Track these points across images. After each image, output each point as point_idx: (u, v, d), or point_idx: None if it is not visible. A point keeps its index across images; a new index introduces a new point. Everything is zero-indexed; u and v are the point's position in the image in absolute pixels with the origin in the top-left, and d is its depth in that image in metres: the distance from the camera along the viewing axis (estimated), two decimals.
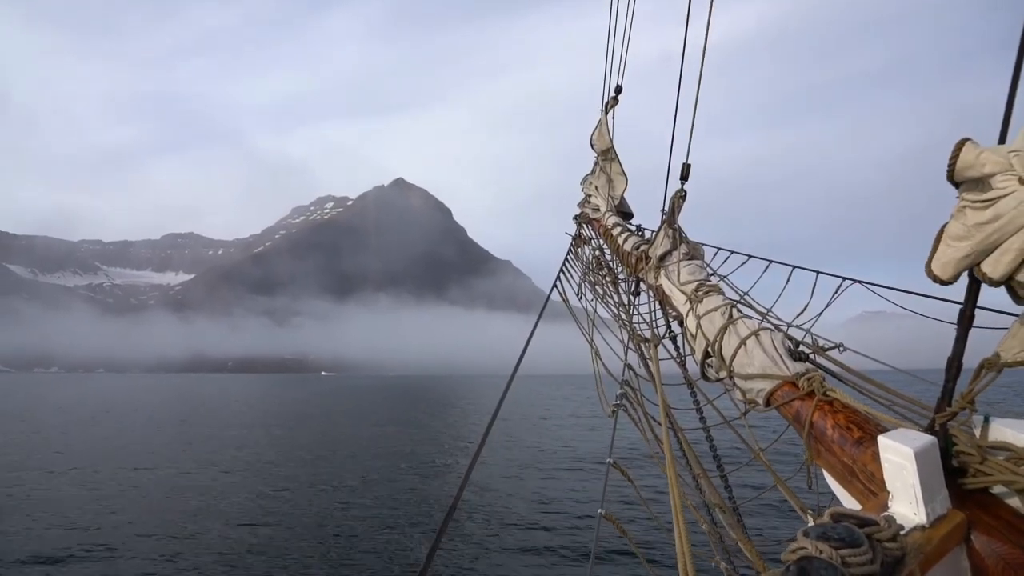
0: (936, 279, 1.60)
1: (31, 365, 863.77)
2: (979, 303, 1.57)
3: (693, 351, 3.16)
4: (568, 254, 6.32)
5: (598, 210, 6.51)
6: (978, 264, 1.51)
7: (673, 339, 4.12)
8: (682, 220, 3.84)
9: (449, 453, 32.66)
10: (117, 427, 46.49)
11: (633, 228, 5.70)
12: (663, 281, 3.81)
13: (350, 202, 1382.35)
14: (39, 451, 32.74)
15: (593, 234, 6.55)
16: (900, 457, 1.46)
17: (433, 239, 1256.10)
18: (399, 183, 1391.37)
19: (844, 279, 3.20)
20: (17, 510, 19.39)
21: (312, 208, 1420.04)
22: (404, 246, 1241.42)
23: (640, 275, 4.39)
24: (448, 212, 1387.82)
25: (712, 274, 3.77)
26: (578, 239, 6.83)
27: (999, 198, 1.44)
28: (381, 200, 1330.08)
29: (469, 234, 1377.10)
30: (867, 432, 1.80)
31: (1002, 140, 1.47)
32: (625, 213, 6.30)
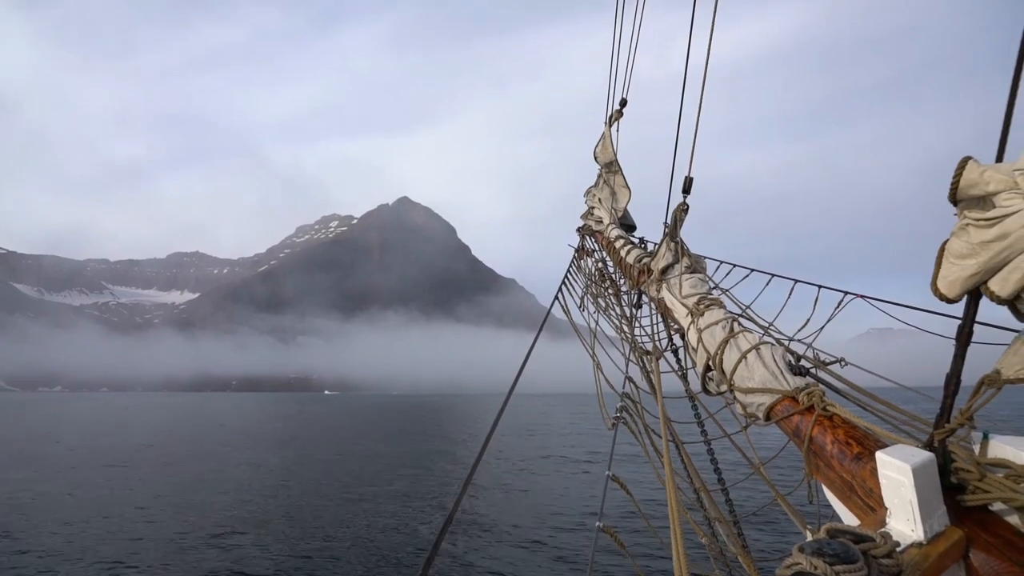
0: (942, 297, 1.60)
1: (35, 384, 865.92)
2: (978, 319, 1.57)
3: (694, 364, 3.15)
4: (571, 266, 6.31)
5: (601, 222, 6.50)
6: (985, 282, 1.51)
7: (675, 352, 4.12)
8: (688, 233, 3.84)
9: (447, 470, 32.42)
10: (97, 447, 45.79)
11: (636, 240, 5.70)
12: (665, 294, 3.80)
13: (355, 221, 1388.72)
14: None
15: (596, 246, 6.55)
16: (898, 473, 1.46)
17: (438, 258, 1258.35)
18: (403, 201, 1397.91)
19: (846, 293, 3.20)
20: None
21: (317, 227, 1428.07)
22: (409, 265, 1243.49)
23: (642, 288, 4.39)
24: (453, 231, 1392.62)
25: (714, 287, 3.77)
26: (581, 251, 6.83)
27: (1005, 216, 1.43)
28: (386, 219, 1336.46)
29: (474, 252, 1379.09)
30: (866, 448, 1.79)
31: (999, 158, 1.47)
32: (628, 225, 6.30)
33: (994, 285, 1.49)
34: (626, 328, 4.56)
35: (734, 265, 3.97)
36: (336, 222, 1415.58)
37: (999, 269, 1.47)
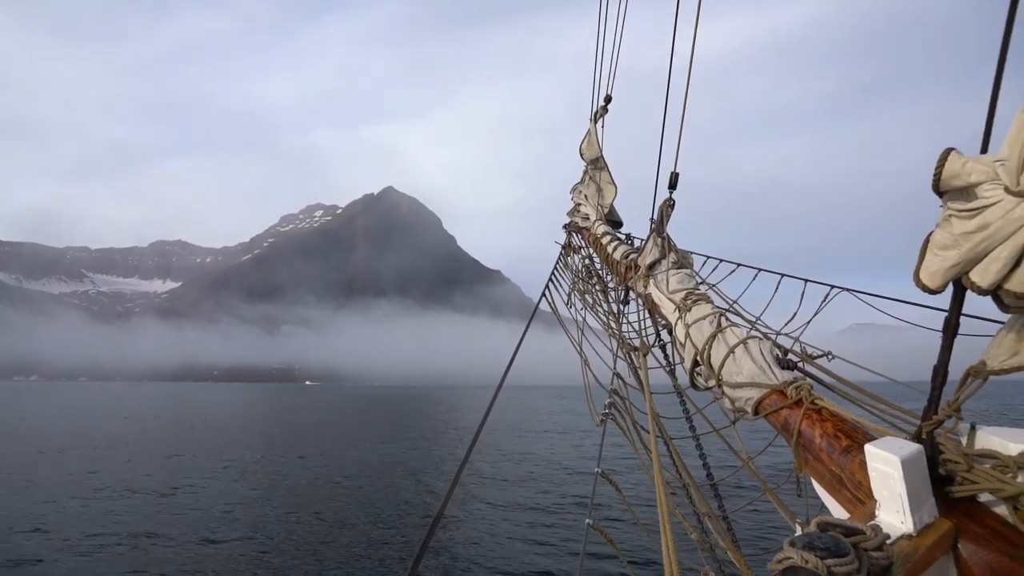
0: (924, 288, 1.59)
1: (11, 373, 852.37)
2: (965, 310, 1.56)
3: (682, 360, 3.14)
4: (557, 263, 6.31)
5: (588, 219, 6.51)
6: (966, 273, 1.50)
7: (663, 348, 4.12)
8: (675, 229, 3.84)
9: (435, 465, 32.31)
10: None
11: (623, 237, 5.70)
12: (652, 290, 3.80)
13: (339, 210, 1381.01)
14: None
15: (583, 243, 6.55)
16: (886, 466, 1.45)
17: (423, 248, 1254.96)
18: (389, 191, 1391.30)
19: (832, 287, 3.21)
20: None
21: (302, 216, 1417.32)
22: (395, 255, 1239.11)
23: (629, 284, 4.39)
24: (438, 221, 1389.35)
25: (701, 283, 3.77)
26: (568, 248, 6.83)
27: (985, 207, 1.42)
28: (371, 208, 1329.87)
29: (459, 243, 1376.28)
30: (855, 441, 1.79)
31: (984, 149, 1.46)
32: (615, 222, 6.30)
33: (975, 276, 1.48)
34: (613, 324, 4.55)
35: (720, 260, 3.97)
36: (321, 211, 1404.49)
37: (980, 259, 1.46)
